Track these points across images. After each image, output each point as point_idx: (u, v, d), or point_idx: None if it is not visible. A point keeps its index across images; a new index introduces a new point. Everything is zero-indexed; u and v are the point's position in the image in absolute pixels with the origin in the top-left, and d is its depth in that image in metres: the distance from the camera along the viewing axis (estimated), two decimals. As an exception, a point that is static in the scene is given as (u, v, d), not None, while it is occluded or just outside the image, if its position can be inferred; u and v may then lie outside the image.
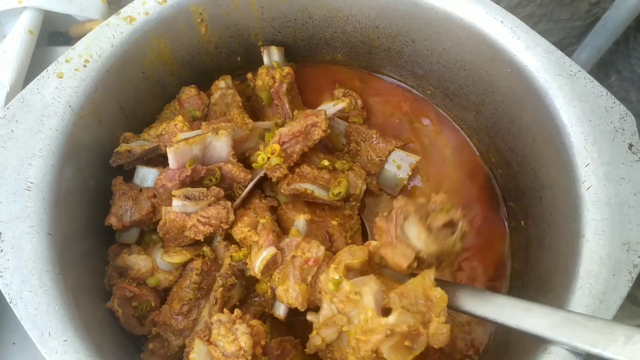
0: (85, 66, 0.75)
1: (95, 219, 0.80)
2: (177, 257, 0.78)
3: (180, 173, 0.75)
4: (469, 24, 0.79)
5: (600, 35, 1.17)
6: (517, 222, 0.90)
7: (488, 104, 0.88)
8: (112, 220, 0.79)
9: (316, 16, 0.92)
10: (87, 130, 0.77)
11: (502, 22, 0.77)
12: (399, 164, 0.91)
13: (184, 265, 0.79)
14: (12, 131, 0.71)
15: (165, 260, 0.78)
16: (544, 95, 0.75)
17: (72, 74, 0.74)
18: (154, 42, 0.82)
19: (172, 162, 0.76)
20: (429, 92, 0.99)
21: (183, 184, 0.76)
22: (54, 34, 1.07)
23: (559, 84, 0.74)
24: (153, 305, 0.78)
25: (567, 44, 1.23)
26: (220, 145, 0.78)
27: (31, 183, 0.69)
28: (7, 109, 0.72)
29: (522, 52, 0.77)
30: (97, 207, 0.81)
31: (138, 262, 0.78)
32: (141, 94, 0.87)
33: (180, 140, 0.75)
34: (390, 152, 0.91)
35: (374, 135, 0.91)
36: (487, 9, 0.78)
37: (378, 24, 0.90)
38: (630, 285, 0.65)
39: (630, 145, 0.71)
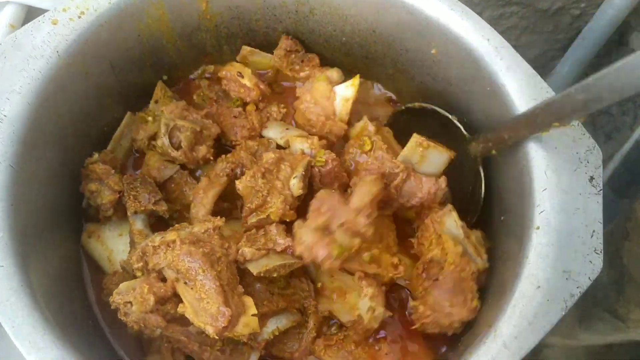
0: (79, 17, 0.78)
1: (66, 164, 0.82)
2: None
3: None
4: (456, 37, 0.80)
5: (581, 48, 1.18)
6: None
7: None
8: None
9: (317, 11, 0.93)
10: (72, 79, 0.79)
11: (488, 40, 0.78)
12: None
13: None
14: (-1, 66, 0.74)
15: None
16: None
17: (66, 22, 0.77)
18: (152, 8, 0.84)
19: None
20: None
21: None
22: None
23: (533, 108, 0.74)
24: None
25: (550, 57, 1.22)
26: None
27: (4, 116, 0.72)
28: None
29: (502, 73, 0.77)
30: (70, 155, 0.83)
31: None
32: (135, 57, 0.89)
33: None
34: None
35: None
36: (476, 25, 0.79)
37: (375, 27, 0.91)
38: (564, 313, 0.64)
39: (592, 178, 0.71)
